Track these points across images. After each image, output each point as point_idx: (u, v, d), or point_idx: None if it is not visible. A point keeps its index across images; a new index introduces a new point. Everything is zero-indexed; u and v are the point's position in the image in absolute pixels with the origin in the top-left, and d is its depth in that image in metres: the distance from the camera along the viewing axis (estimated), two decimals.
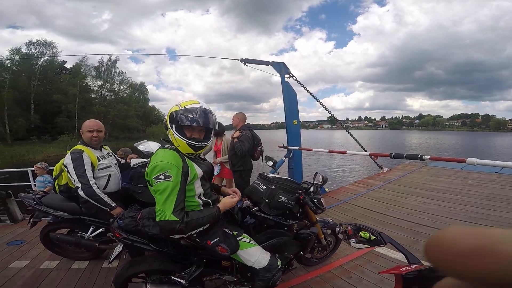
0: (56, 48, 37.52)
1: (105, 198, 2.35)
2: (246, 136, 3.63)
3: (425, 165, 7.60)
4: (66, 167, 2.36)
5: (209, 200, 1.64)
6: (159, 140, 1.88)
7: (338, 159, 18.34)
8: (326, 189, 5.37)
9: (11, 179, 4.71)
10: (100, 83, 43.05)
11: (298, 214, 2.02)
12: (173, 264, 1.74)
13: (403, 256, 1.19)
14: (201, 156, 1.78)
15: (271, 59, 5.58)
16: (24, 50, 34.85)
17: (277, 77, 4.99)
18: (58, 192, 2.67)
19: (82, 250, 2.82)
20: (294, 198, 1.87)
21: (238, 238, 1.65)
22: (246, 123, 3.89)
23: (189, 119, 1.47)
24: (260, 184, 1.92)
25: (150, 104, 58.78)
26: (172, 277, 1.72)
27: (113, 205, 2.37)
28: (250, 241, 1.70)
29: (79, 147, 2.43)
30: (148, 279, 1.78)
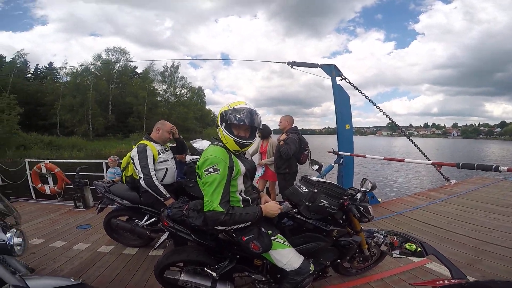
0: (129, 54, 43.00)
1: (162, 188, 2.59)
2: (292, 139, 3.61)
3: (505, 179, 6.48)
4: (132, 159, 2.68)
5: (249, 198, 1.73)
6: (210, 139, 2.05)
7: (399, 169, 16.79)
8: (379, 200, 4.97)
9: (90, 170, 5.48)
10: (164, 87, 47.83)
11: (341, 221, 1.93)
12: (209, 257, 1.84)
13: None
14: (246, 156, 1.87)
15: (322, 62, 5.40)
16: (104, 56, 40.73)
17: (329, 81, 4.83)
18: (124, 182, 3.03)
19: (135, 237, 3.12)
20: (338, 204, 1.81)
21: (272, 238, 1.67)
22: (293, 126, 3.87)
23: (237, 118, 1.61)
24: (302, 186, 1.90)
25: (207, 107, 62.90)
26: (206, 269, 1.80)
27: (167, 196, 2.60)
28: (284, 242, 1.71)
29: (144, 141, 2.75)
30: (184, 268, 1.90)
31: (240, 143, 1.65)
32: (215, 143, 1.74)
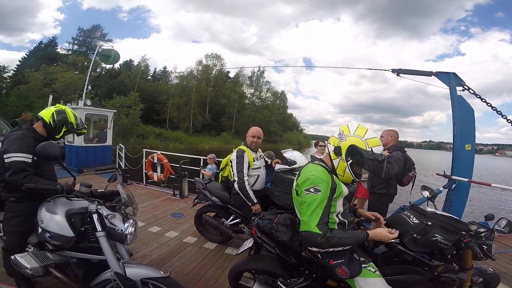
0: (223, 60, 47.66)
1: (251, 194, 2.71)
2: (396, 158, 3.11)
3: None
4: (231, 162, 2.88)
5: (346, 221, 1.62)
6: (293, 148, 1.94)
7: None
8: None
9: (189, 164, 6.17)
10: (252, 91, 51.03)
11: (449, 256, 1.62)
12: (284, 270, 1.81)
13: None
14: None
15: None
16: (204, 61, 46.39)
17: (435, 88, 4.02)
18: (220, 181, 3.25)
19: (217, 233, 3.31)
20: (453, 239, 1.55)
21: (362, 266, 1.52)
22: (397, 142, 3.34)
23: (370, 163, 1.54)
24: (412, 217, 1.70)
25: (288, 111, 63.69)
26: (278, 282, 1.80)
27: (255, 201, 2.71)
28: (375, 271, 1.53)
29: (243, 147, 2.90)
30: (257, 276, 1.92)
31: (354, 180, 1.61)
32: (316, 161, 1.67)
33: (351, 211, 1.81)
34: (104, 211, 1.77)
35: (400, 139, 3.54)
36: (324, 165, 1.62)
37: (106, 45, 11.42)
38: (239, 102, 45.78)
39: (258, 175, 2.90)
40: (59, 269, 1.84)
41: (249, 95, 50.89)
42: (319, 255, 1.56)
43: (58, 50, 42.46)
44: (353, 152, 1.53)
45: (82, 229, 1.77)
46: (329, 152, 1.63)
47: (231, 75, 52.70)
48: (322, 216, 1.44)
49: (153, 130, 33.24)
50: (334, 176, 1.59)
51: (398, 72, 4.22)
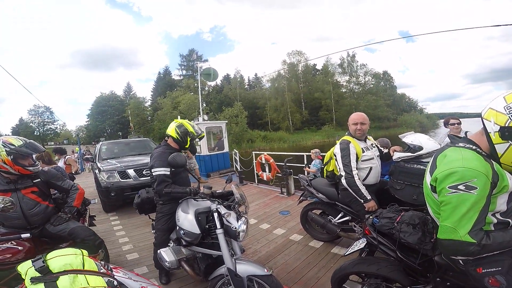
0: (305, 54, 46.21)
1: (363, 189, 2.38)
2: None
3: None
4: (335, 155, 2.61)
5: (510, 220, 1.15)
6: (415, 130, 1.55)
7: None
8: None
9: (294, 161, 6.25)
10: (346, 78, 47.36)
11: None
12: (405, 275, 1.54)
13: None
14: None
15: None
16: (287, 60, 46.19)
17: None
18: (324, 176, 3.05)
19: (324, 231, 3.12)
20: None
21: None
22: None
23: None
24: None
25: (399, 91, 55.41)
26: None
27: (368, 198, 2.36)
28: None
29: (347, 138, 2.57)
30: (367, 281, 1.69)
31: None
32: (461, 144, 1.23)
33: None
34: (222, 210, 1.95)
35: None
36: (475, 148, 1.18)
37: (204, 65, 13.18)
38: (335, 92, 43.63)
39: (371, 167, 2.51)
40: (188, 262, 2.16)
41: (344, 83, 47.70)
42: (461, 261, 1.21)
43: (173, 77, 52.82)
44: None
45: (207, 226, 2.05)
46: (487, 132, 1.15)
47: (318, 67, 50.86)
48: (477, 221, 1.07)
49: (258, 134, 36.20)
50: (494, 163, 1.14)
51: None
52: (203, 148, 8.80)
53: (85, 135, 54.79)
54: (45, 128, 55.60)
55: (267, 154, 6.78)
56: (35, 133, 51.78)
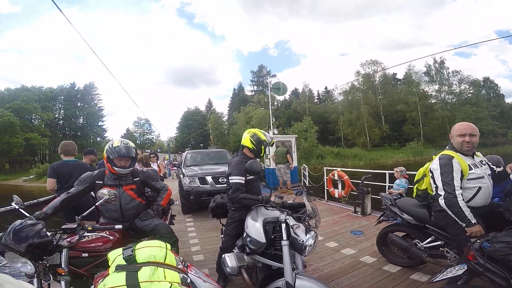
0: (383, 63, 42.11)
1: (467, 212, 2.00)
2: None
3: None
4: (431, 172, 2.28)
5: None
6: None
7: None
8: None
9: (372, 179, 5.73)
10: (436, 87, 41.15)
11: None
12: None
13: None
14: None
15: None
16: (361, 71, 42.96)
17: None
18: (414, 196, 2.73)
19: (405, 256, 2.84)
20: None
21: None
22: None
23: None
24: None
25: (508, 100, 45.28)
26: None
27: (473, 222, 1.97)
28: None
29: (449, 152, 2.22)
30: None
31: None
32: None
33: None
34: (291, 221, 1.90)
35: None
36: None
37: (273, 80, 13.54)
38: (422, 104, 38.35)
39: (480, 187, 2.10)
40: (247, 271, 2.15)
41: (434, 93, 41.48)
42: None
43: (246, 92, 55.94)
44: None
45: (272, 236, 2.01)
46: None
47: (399, 76, 46.15)
48: None
49: (330, 150, 34.52)
50: None
51: None
52: (272, 161, 8.94)
53: (174, 145, 63.02)
54: (144, 138, 66.45)
55: (341, 170, 6.38)
56: (137, 142, 62.09)
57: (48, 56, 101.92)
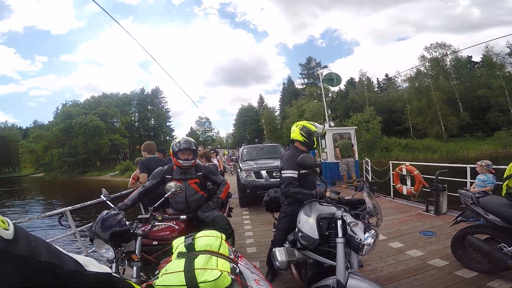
0: (452, 46, 35.82)
1: None
2: None
3: None
4: None
5: None
6: None
7: None
8: None
9: (450, 174, 4.99)
10: None
11: None
12: None
13: None
14: None
15: None
16: (426, 55, 37.12)
17: None
18: (503, 194, 2.44)
19: (485, 261, 2.60)
20: None
21: None
22: None
23: None
24: None
25: None
26: None
27: None
28: None
29: None
30: None
31: None
32: None
33: None
34: (348, 218, 1.81)
35: None
36: None
37: (325, 71, 12.84)
38: (511, 88, 31.22)
39: None
40: (296, 266, 2.11)
41: None
42: None
43: (296, 86, 54.52)
44: None
45: (326, 233, 1.94)
46: None
47: (475, 58, 38.66)
48: None
49: (397, 142, 31.19)
50: None
51: None
52: (329, 155, 8.59)
53: (232, 141, 66.17)
54: (205, 135, 71.27)
55: (409, 164, 5.72)
56: (199, 139, 67.03)
57: (116, 63, 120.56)
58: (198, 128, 72.03)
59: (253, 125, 58.94)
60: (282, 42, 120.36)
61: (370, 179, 7.64)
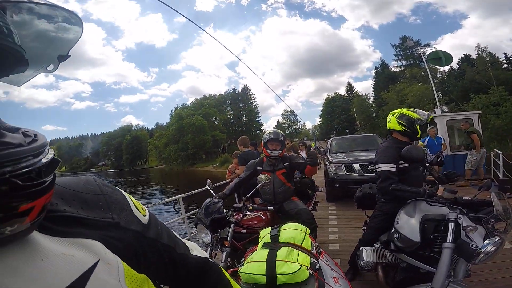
0: None
1: None
2: None
3: None
4: None
5: None
6: None
7: None
8: None
9: None
10: None
11: None
12: None
13: None
14: None
15: None
16: None
17: None
18: None
19: None
20: None
21: None
22: None
23: None
24: None
25: None
26: None
27: None
28: None
29: None
30: None
31: None
32: None
33: None
34: (464, 222, 1.54)
35: None
36: None
37: (427, 50, 10.99)
38: None
39: None
40: (384, 268, 1.93)
41: None
42: None
43: (392, 69, 47.37)
44: None
45: (431, 236, 1.67)
46: None
47: None
48: None
49: None
50: None
51: None
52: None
53: (319, 132, 64.52)
54: (291, 128, 72.10)
55: None
56: (286, 132, 68.60)
57: (209, 66, 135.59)
58: (284, 121, 73.30)
59: (342, 115, 55.25)
60: (364, 24, 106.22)
61: (501, 175, 5.97)
